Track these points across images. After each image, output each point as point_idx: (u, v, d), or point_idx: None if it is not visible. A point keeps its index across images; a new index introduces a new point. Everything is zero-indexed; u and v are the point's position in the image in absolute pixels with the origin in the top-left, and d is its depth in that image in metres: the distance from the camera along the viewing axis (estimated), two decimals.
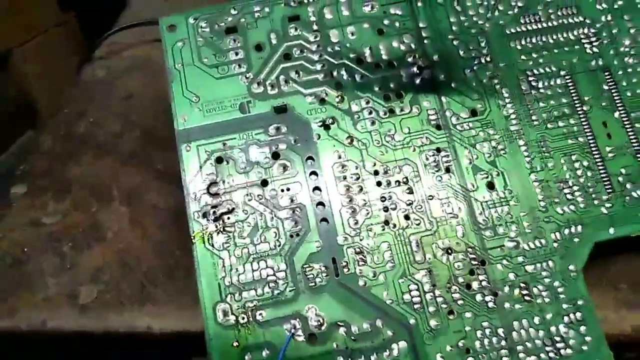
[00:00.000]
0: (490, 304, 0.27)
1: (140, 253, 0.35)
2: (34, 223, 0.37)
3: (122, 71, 0.47)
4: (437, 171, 0.29)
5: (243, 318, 0.27)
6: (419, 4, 0.32)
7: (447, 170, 0.29)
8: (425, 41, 0.31)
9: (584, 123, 0.30)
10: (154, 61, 0.48)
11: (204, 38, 0.31)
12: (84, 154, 0.41)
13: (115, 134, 0.42)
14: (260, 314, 0.27)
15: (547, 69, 0.31)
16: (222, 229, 0.28)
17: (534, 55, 0.31)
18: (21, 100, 0.50)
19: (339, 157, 0.29)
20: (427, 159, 0.29)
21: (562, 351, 0.26)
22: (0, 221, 0.37)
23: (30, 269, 0.35)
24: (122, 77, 0.47)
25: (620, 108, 0.30)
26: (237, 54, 0.31)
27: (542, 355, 0.26)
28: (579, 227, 0.28)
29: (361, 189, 0.29)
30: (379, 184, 0.29)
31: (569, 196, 0.29)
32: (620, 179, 0.29)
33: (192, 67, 0.31)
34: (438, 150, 0.29)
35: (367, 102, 0.30)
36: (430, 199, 0.29)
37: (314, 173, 0.29)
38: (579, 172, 0.29)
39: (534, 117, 0.30)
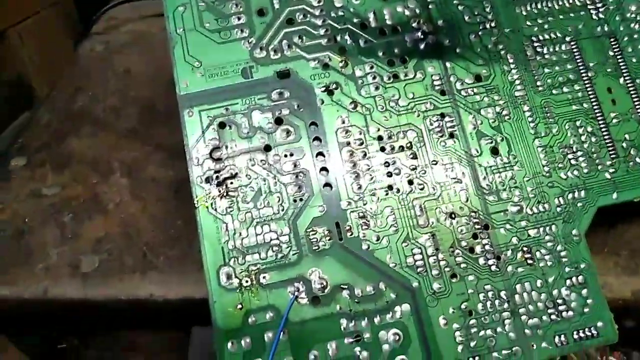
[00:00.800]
0: (493, 268, 0.27)
1: (142, 224, 0.35)
2: (35, 194, 0.37)
3: (120, 46, 0.47)
4: (441, 136, 0.29)
5: (247, 281, 0.27)
6: None
7: (452, 135, 0.29)
8: (430, 6, 0.31)
9: (588, 89, 0.30)
10: (152, 36, 0.48)
11: (206, 3, 0.31)
12: (82, 128, 0.40)
13: (113, 109, 0.42)
14: (264, 277, 0.27)
15: (552, 35, 0.30)
16: (225, 194, 0.28)
17: (539, 21, 0.31)
18: (18, 81, 0.49)
19: (343, 123, 0.29)
20: (431, 124, 0.29)
21: (563, 313, 0.27)
22: (0, 192, 0.37)
23: (31, 239, 0.35)
24: (120, 52, 0.47)
25: (625, 74, 0.30)
26: (239, 18, 0.30)
27: (544, 317, 0.27)
28: (582, 192, 0.28)
29: (365, 154, 0.29)
30: (382, 149, 0.29)
31: (572, 161, 0.29)
32: (624, 144, 0.29)
33: (193, 32, 0.30)
34: (442, 115, 0.29)
35: (371, 67, 0.30)
36: (434, 164, 0.28)
37: (317, 138, 0.29)
38: (583, 138, 0.29)
39: (538, 83, 0.30)
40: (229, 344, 0.26)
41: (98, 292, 0.33)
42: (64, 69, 0.46)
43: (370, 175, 0.28)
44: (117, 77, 0.44)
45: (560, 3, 0.31)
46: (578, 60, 0.30)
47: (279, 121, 0.29)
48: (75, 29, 0.52)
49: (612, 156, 0.29)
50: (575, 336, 0.26)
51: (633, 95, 0.30)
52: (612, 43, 0.31)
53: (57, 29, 0.53)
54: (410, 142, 0.29)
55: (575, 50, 0.30)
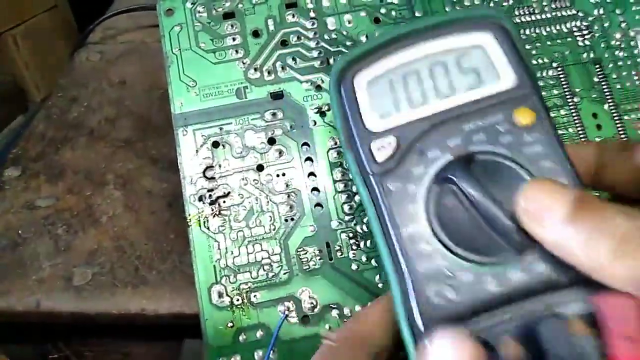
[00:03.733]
0: None
1: (135, 237, 0.36)
2: (29, 206, 0.37)
3: (116, 56, 0.48)
4: None
5: (238, 299, 0.27)
6: None
7: None
8: None
9: (574, 114, 0.31)
10: (148, 47, 0.48)
11: (202, 23, 0.31)
12: (77, 139, 0.41)
13: (109, 120, 0.42)
14: (255, 296, 0.27)
15: (540, 61, 0.31)
16: (217, 213, 0.28)
17: (527, 47, 0.31)
18: (12, 85, 0.50)
19: (335, 144, 0.30)
20: None
21: None
22: None
23: (24, 251, 0.35)
24: (116, 63, 0.47)
25: (609, 100, 0.31)
26: (234, 39, 0.31)
27: None
28: None
29: None
30: None
31: None
32: None
33: (189, 51, 0.31)
34: None
35: None
36: None
37: (309, 159, 0.29)
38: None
39: None
40: None
41: (90, 305, 0.33)
42: (60, 74, 0.47)
43: None
44: (113, 87, 0.45)
45: (548, 29, 0.32)
46: (564, 86, 0.31)
47: (271, 141, 0.30)
48: (72, 36, 0.52)
49: None
50: None
51: (617, 121, 0.31)
52: (597, 69, 0.31)
53: (54, 34, 0.54)
54: None
55: (561, 75, 0.31)
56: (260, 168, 0.29)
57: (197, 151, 0.29)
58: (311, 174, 0.29)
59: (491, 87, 0.23)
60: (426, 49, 0.23)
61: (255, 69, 0.31)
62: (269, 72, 0.31)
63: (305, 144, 0.30)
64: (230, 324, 0.27)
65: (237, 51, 0.31)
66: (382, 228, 0.22)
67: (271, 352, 0.26)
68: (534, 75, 0.23)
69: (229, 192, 0.29)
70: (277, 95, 0.30)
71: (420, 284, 0.20)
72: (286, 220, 0.28)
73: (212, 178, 0.29)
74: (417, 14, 0.32)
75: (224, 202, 0.29)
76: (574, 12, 0.32)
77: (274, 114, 0.30)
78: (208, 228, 0.28)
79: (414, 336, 0.20)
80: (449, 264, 0.20)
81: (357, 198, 0.29)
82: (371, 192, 0.23)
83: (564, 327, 0.18)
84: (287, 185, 0.29)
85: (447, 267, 0.20)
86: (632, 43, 0.32)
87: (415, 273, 0.20)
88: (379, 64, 0.23)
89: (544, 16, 0.32)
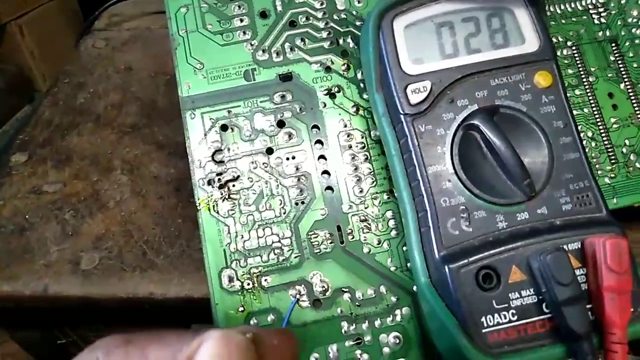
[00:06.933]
0: None
1: (142, 222, 0.35)
2: (36, 191, 0.37)
3: (122, 43, 0.47)
4: None
5: (248, 284, 0.27)
6: None
7: None
8: None
9: (589, 94, 0.30)
10: (154, 33, 0.48)
11: (208, 4, 0.31)
12: (83, 125, 0.40)
13: (115, 106, 0.42)
14: (266, 280, 0.27)
15: (554, 40, 0.30)
16: (227, 197, 0.28)
17: None
18: (18, 75, 0.49)
19: (345, 126, 0.29)
20: None
21: None
22: (1, 189, 0.37)
23: (32, 236, 0.35)
24: (122, 49, 0.47)
25: (626, 80, 0.30)
26: (242, 20, 0.30)
27: None
28: None
29: (367, 158, 0.29)
30: (384, 152, 0.29)
31: None
32: (624, 150, 0.29)
33: (196, 33, 0.30)
34: None
35: None
36: None
37: (319, 142, 0.29)
38: (583, 143, 0.29)
39: None
40: None
41: (98, 290, 0.33)
42: (65, 63, 0.46)
43: (372, 178, 0.28)
44: (119, 73, 0.44)
45: (563, 7, 0.31)
46: (579, 65, 0.30)
47: (281, 124, 0.29)
48: (78, 24, 0.52)
49: (612, 161, 0.29)
50: None
51: (633, 101, 0.30)
52: (614, 48, 0.31)
53: (59, 22, 0.53)
54: None
55: (576, 55, 0.30)
56: (269, 151, 0.29)
57: (205, 134, 0.29)
58: (321, 156, 0.29)
59: (517, 48, 0.25)
60: (462, 3, 0.26)
61: (264, 51, 0.30)
62: (277, 54, 0.30)
63: (315, 126, 0.29)
64: (241, 309, 0.27)
65: (244, 32, 0.30)
66: (405, 167, 0.25)
67: None
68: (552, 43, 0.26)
69: (238, 176, 0.28)
70: (286, 77, 0.30)
71: (440, 217, 0.23)
72: (296, 204, 0.28)
73: (221, 162, 0.29)
74: None
75: (234, 185, 0.28)
76: None
77: (283, 96, 0.29)
78: (217, 212, 0.28)
79: (427, 266, 0.23)
80: (467, 201, 0.23)
81: (368, 181, 0.28)
82: (399, 132, 0.25)
83: (564, 258, 0.21)
84: (297, 169, 0.28)
85: (464, 204, 0.23)
86: None
87: (437, 207, 0.23)
88: (418, 11, 0.26)
89: None
